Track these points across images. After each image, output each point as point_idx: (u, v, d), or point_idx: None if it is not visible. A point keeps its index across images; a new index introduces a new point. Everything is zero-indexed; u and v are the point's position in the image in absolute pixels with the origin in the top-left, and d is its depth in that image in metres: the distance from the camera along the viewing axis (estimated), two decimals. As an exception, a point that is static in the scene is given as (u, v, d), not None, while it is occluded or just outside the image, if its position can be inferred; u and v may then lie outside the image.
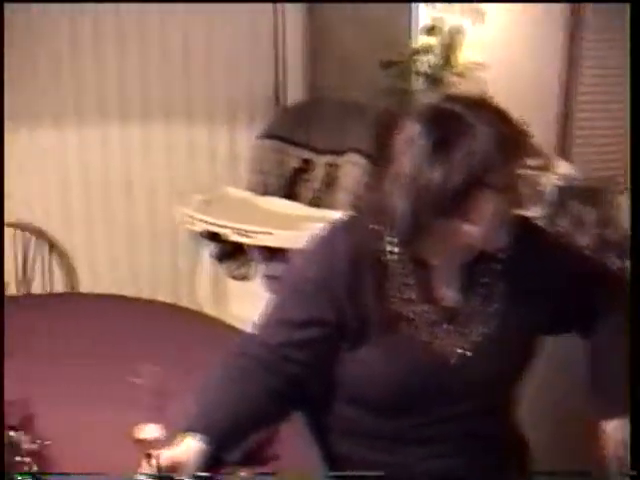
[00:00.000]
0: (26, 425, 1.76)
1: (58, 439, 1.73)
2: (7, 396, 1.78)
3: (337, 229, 1.79)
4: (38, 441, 1.71)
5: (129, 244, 4.11)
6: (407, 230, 1.63)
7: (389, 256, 1.70)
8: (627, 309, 1.72)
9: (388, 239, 1.70)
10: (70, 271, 3.20)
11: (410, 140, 1.60)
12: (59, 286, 3.23)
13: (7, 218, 3.28)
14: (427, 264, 1.71)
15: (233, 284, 3.84)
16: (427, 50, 4.02)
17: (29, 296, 3.22)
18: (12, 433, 1.69)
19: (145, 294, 3.01)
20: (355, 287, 1.69)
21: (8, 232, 3.27)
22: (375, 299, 1.69)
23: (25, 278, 3.27)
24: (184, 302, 3.06)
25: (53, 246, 3.22)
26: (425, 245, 1.67)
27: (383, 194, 1.65)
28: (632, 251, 1.71)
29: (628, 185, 1.79)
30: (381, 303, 1.69)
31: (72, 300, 3.06)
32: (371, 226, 1.71)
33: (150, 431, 1.59)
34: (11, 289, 3.27)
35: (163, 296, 3.01)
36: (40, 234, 3.23)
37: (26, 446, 1.71)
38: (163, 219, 4.02)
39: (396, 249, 1.69)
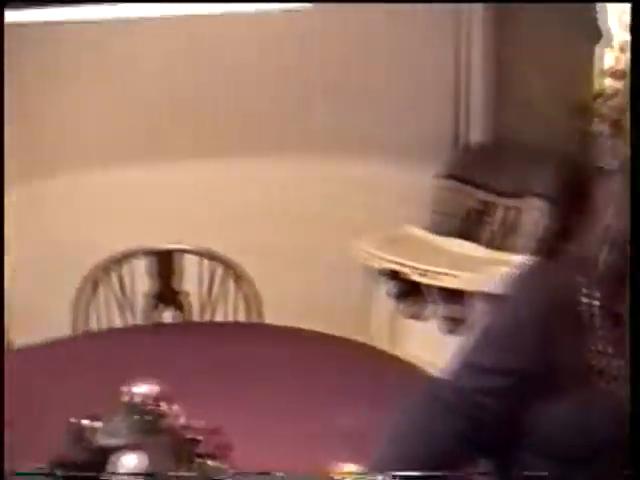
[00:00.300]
0: (220, 453, 1.80)
1: (252, 469, 1.77)
2: (201, 423, 1.84)
3: (528, 275, 1.77)
4: (232, 469, 1.76)
5: (305, 277, 4.18)
6: (611, 284, 1.61)
7: (585, 307, 1.68)
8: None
9: (585, 290, 1.67)
10: (255, 302, 3.27)
11: (614, 193, 1.58)
12: (241, 316, 3.30)
13: (194, 247, 3.40)
14: (622, 317, 1.68)
15: (408, 323, 3.85)
16: (612, 94, 3.95)
17: (213, 324, 3.32)
18: (210, 462, 1.73)
19: (318, 328, 3.04)
20: (547, 337, 1.67)
21: (193, 260, 3.38)
22: (568, 350, 1.67)
23: (210, 306, 3.35)
24: (357, 338, 3.07)
25: (239, 277, 3.29)
26: (624, 299, 1.65)
27: (581, 245, 1.63)
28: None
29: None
30: (574, 355, 1.67)
31: (258, 330, 3.13)
32: (565, 275, 1.69)
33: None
34: (194, 316, 3.39)
35: (336, 331, 3.03)
36: (227, 264, 3.31)
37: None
38: (339, 254, 4.06)
39: (595, 301, 1.67)
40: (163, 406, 1.78)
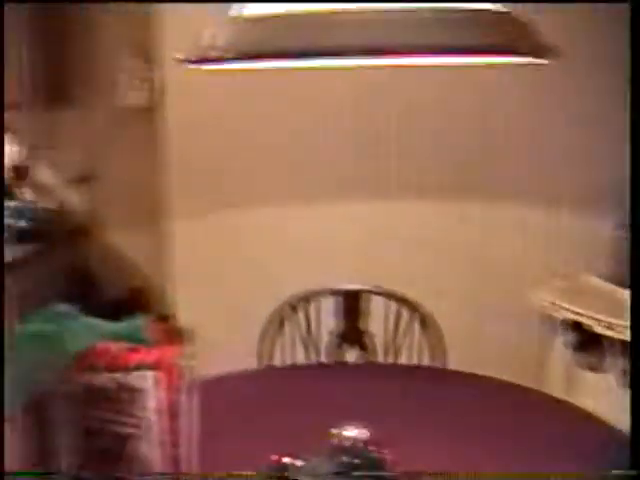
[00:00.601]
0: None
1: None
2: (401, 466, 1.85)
3: None
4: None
5: (485, 323, 4.17)
6: None
7: None
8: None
9: None
10: (439, 346, 3.28)
11: None
12: (425, 360, 3.31)
13: (381, 288, 3.43)
14: None
15: (585, 374, 3.80)
16: None
17: (396, 366, 3.33)
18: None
19: (495, 374, 3.03)
20: None
21: (379, 300, 3.41)
22: None
23: (394, 348, 3.37)
24: (533, 386, 3.06)
25: (424, 320, 3.31)
26: None
27: None
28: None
29: None
30: None
31: (440, 375, 3.14)
32: None
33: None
34: (378, 357, 3.41)
35: (512, 377, 3.02)
36: (413, 307, 3.33)
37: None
38: (519, 301, 4.05)
39: None
40: (372, 450, 1.80)
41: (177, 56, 1.53)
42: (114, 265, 4.96)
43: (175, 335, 1.98)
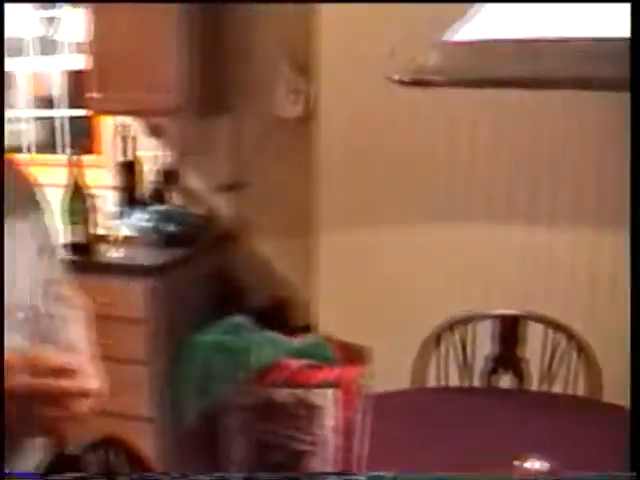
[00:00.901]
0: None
1: None
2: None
3: None
4: None
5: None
6: None
7: None
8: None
9: None
10: (595, 377, 3.21)
11: None
12: (580, 390, 3.25)
13: (540, 315, 3.37)
14: None
15: None
16: None
17: (547, 394, 3.28)
18: None
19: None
20: None
21: (537, 327, 3.36)
22: None
23: (549, 377, 3.32)
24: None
25: (582, 349, 3.25)
26: None
27: None
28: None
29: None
30: None
31: (592, 406, 3.08)
32: None
33: None
34: (532, 384, 3.36)
35: None
36: (570, 336, 3.28)
37: None
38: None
39: None
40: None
41: (391, 76, 1.52)
42: (259, 273, 5.01)
43: (355, 354, 1.99)
